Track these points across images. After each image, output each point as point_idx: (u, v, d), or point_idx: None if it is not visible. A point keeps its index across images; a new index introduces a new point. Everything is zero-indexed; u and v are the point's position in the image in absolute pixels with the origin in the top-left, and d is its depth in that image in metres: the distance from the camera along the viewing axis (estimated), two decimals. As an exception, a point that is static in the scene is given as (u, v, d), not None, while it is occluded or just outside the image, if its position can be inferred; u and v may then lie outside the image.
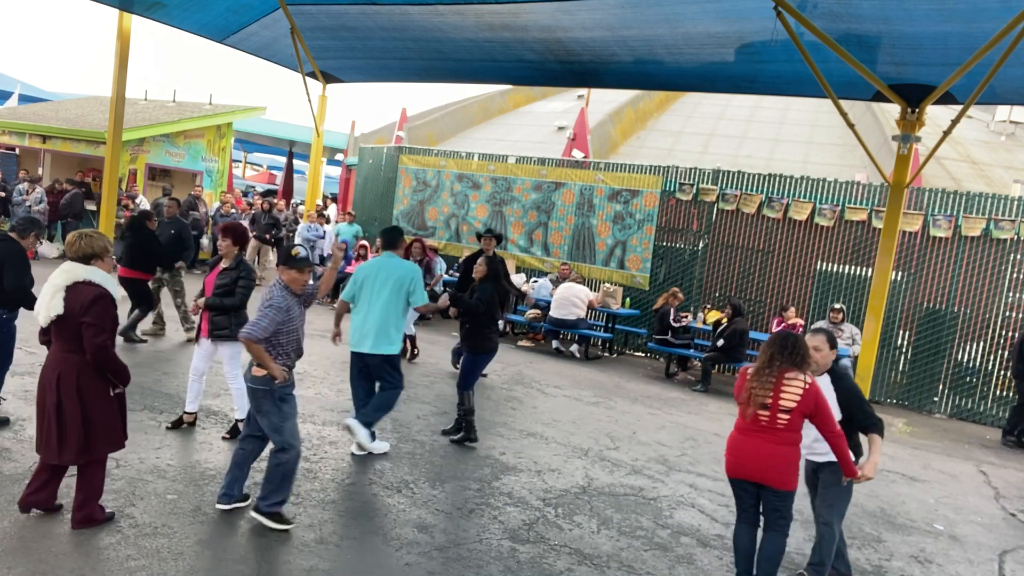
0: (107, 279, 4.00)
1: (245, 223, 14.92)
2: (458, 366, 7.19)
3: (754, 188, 11.51)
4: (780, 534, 4.03)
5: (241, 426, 5.67)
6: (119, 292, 4.11)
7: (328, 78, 12.53)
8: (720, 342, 10.10)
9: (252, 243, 14.37)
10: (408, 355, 9.33)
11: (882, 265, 9.48)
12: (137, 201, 14.45)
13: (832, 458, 4.14)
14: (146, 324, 8.63)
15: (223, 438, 5.65)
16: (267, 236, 14.30)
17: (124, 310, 8.35)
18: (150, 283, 8.53)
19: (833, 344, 4.34)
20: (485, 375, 8.96)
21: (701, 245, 11.93)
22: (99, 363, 3.88)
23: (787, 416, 3.91)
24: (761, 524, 4.12)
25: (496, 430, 6.79)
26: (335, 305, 6.50)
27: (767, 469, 3.95)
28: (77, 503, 3.94)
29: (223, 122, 16.85)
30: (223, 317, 5.55)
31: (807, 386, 3.92)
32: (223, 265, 5.71)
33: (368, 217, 15.70)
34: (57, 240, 14.74)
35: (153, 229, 8.49)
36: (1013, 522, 6.21)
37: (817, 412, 3.92)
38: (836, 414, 4.14)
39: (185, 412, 5.75)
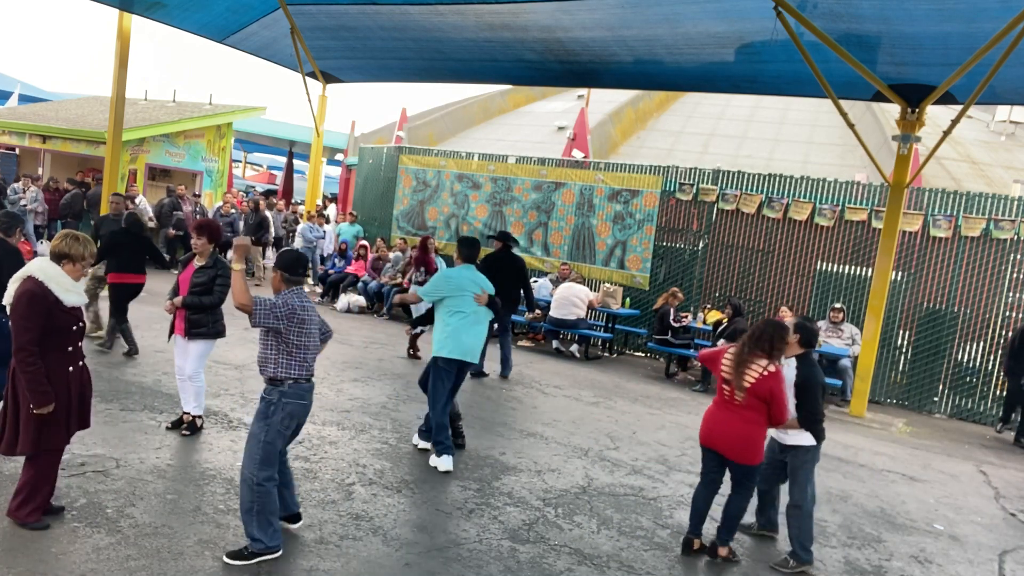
0: (56, 278, 3.79)
1: (242, 223, 14.90)
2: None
3: (754, 188, 11.51)
4: (743, 496, 4.51)
5: (186, 418, 5.60)
6: (72, 299, 3.83)
7: (328, 78, 12.54)
8: (720, 342, 10.10)
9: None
10: (413, 352, 9.59)
11: (882, 265, 9.50)
12: (136, 202, 14.44)
13: (799, 442, 4.61)
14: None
15: (166, 427, 5.64)
16: (252, 239, 13.98)
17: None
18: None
19: (797, 331, 4.56)
20: (486, 374, 8.97)
21: (701, 245, 11.92)
22: (18, 369, 3.70)
23: (743, 394, 4.30)
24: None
25: (496, 430, 6.79)
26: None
27: (731, 445, 4.39)
28: (14, 491, 3.89)
29: (223, 122, 16.85)
30: (201, 315, 5.51)
31: (766, 372, 4.28)
32: (197, 263, 5.65)
33: (368, 217, 15.70)
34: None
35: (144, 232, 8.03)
36: (1013, 522, 6.21)
37: (771, 399, 4.27)
38: (791, 397, 4.48)
39: (184, 412, 5.74)
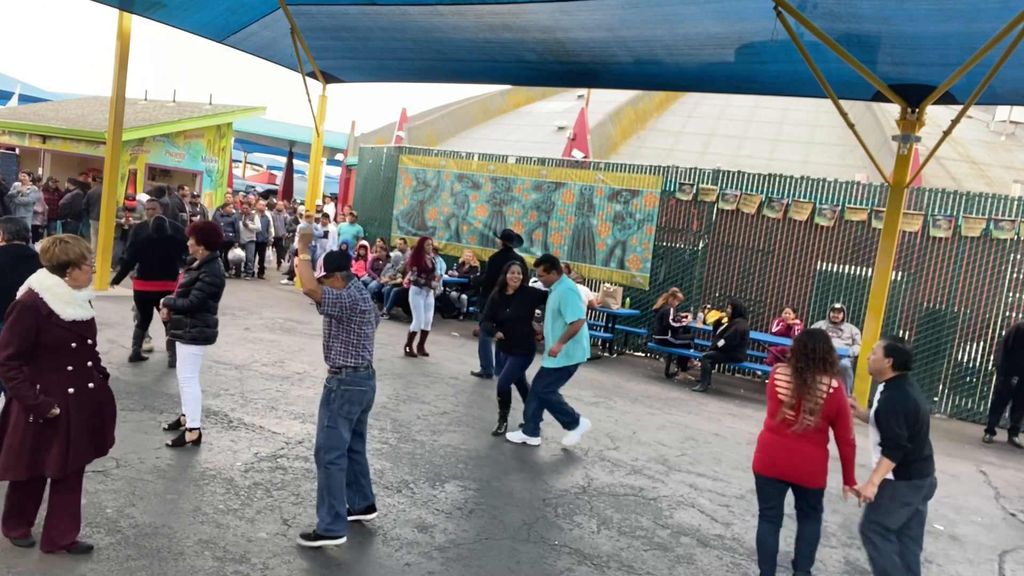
0: (52, 289, 3.53)
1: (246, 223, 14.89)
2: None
3: (754, 188, 11.51)
4: (816, 522, 4.23)
5: (184, 420, 5.42)
6: (71, 312, 3.55)
7: (328, 78, 12.53)
8: (721, 342, 10.09)
9: None
10: (416, 351, 9.80)
11: (882, 265, 9.49)
12: (137, 201, 14.42)
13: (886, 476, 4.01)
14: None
15: (164, 427, 5.56)
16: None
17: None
18: None
19: (889, 353, 4.08)
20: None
21: (701, 245, 11.93)
22: (6, 385, 3.44)
23: (814, 418, 4.04)
24: (796, 515, 4.28)
25: (496, 430, 6.79)
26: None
27: (803, 470, 4.08)
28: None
29: (223, 122, 16.84)
30: (180, 317, 5.38)
31: (832, 390, 4.05)
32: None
33: (368, 217, 15.70)
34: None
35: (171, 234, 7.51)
36: (1013, 522, 6.21)
37: (838, 416, 4.06)
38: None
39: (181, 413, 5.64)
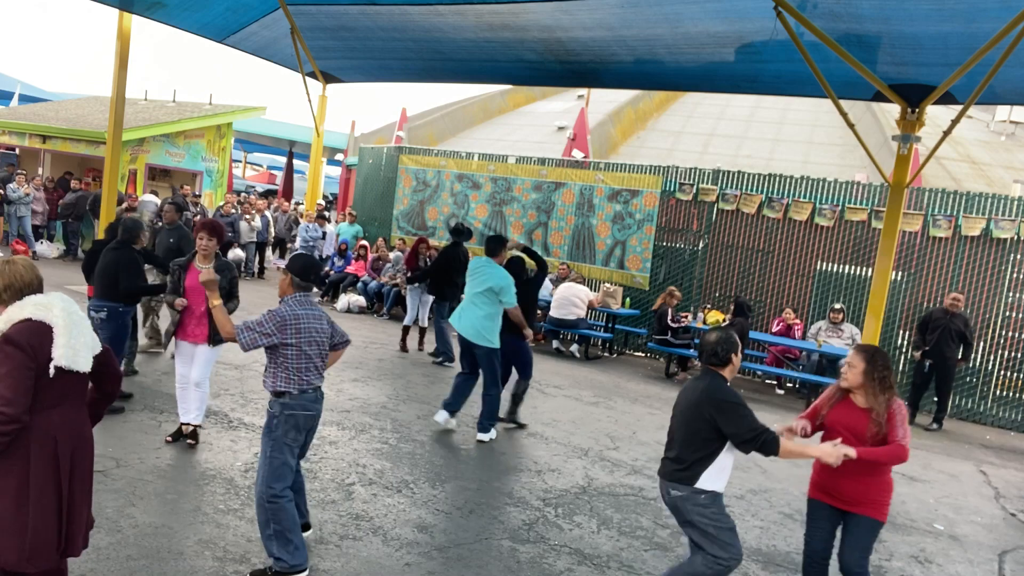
0: None
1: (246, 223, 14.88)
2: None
3: (754, 188, 11.51)
4: None
5: (186, 428, 5.34)
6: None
7: (328, 78, 12.53)
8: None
9: None
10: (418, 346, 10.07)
11: (882, 265, 9.48)
12: (142, 200, 14.41)
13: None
14: (142, 340, 7.78)
15: (167, 439, 5.39)
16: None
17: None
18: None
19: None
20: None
21: (701, 245, 11.92)
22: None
23: None
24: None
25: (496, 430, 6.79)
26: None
27: None
28: None
29: (223, 122, 16.85)
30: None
31: None
32: (203, 265, 5.31)
33: (368, 217, 15.70)
34: (58, 240, 14.72)
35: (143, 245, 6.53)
36: (1013, 522, 6.21)
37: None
38: None
39: (183, 423, 5.44)
